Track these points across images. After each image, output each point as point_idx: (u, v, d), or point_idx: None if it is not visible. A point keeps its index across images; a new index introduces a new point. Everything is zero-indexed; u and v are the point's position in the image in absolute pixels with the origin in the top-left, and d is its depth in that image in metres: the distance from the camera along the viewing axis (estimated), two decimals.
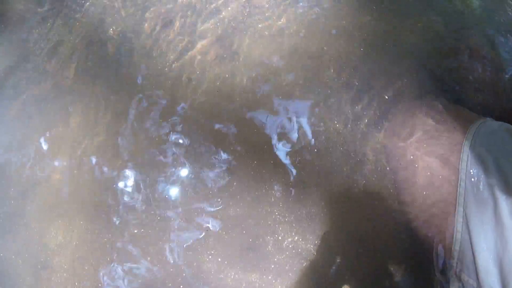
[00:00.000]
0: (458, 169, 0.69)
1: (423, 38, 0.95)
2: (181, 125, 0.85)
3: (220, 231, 0.76)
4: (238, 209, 0.77)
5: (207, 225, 0.77)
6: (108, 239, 0.81)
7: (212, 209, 0.78)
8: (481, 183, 0.67)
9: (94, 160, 0.88)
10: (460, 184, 0.70)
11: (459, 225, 0.69)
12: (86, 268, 0.84)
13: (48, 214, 0.90)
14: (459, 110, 0.86)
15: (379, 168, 0.80)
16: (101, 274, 0.81)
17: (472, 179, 0.69)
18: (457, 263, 0.69)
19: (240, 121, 0.84)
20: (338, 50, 0.90)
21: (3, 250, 0.92)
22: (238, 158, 0.80)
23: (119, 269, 0.79)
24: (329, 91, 0.85)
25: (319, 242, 0.74)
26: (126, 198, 0.83)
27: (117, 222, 0.81)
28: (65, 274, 0.88)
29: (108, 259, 0.80)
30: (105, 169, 0.87)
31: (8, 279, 0.91)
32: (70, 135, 0.92)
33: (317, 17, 0.93)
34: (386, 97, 0.85)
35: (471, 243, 0.65)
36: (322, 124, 0.83)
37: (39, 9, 1.05)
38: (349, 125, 0.83)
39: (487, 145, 0.68)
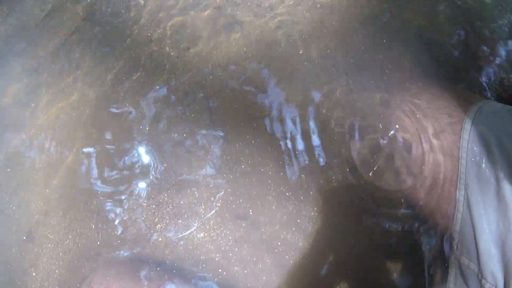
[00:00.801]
0: (459, 147, 0.67)
1: (429, 21, 0.92)
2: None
3: (213, 200, 0.73)
4: (231, 177, 0.74)
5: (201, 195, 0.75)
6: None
7: (205, 178, 0.76)
8: (483, 162, 0.65)
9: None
10: (461, 162, 0.67)
11: (460, 205, 0.67)
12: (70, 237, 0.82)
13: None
14: (461, 91, 0.85)
15: (377, 144, 0.77)
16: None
17: (473, 158, 0.66)
18: (457, 245, 0.66)
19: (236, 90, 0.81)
20: (343, 26, 0.87)
21: None
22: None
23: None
24: (331, 61, 0.82)
25: (316, 214, 0.72)
26: (111, 170, 0.81)
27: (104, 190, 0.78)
28: (49, 245, 0.85)
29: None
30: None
31: None
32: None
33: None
34: (387, 71, 0.82)
35: (472, 224, 0.63)
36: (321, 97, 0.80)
37: None
38: (350, 95, 0.81)
39: (489, 124, 0.66)
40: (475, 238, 0.60)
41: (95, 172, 0.83)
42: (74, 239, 0.82)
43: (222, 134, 0.78)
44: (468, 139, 0.68)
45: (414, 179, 0.76)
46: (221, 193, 0.73)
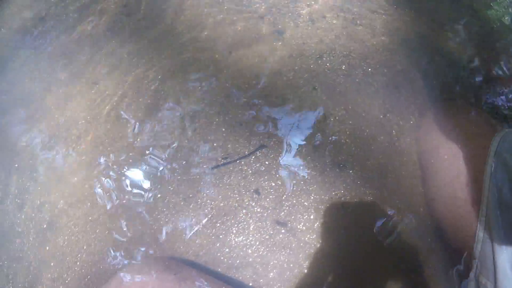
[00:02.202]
0: (484, 171, 0.71)
1: (459, 46, 0.97)
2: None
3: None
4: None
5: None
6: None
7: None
8: (505, 188, 0.69)
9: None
10: (484, 186, 0.71)
11: (481, 225, 0.70)
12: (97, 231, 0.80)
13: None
14: (487, 118, 0.89)
15: (401, 156, 0.80)
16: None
17: (496, 183, 0.70)
18: (477, 264, 0.70)
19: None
20: (380, 46, 0.91)
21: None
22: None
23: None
24: (369, 79, 0.85)
25: (353, 227, 0.74)
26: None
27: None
28: (73, 237, 0.83)
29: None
30: (124, 115, 0.83)
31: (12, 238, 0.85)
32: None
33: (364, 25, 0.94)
34: (420, 92, 0.86)
35: (492, 244, 0.66)
36: (345, 112, 0.83)
37: None
38: (381, 115, 0.84)
39: None
40: (493, 258, 0.64)
41: (129, 167, 0.82)
42: (102, 233, 0.80)
43: (263, 142, 0.79)
44: (492, 165, 0.72)
45: (440, 197, 0.79)
46: (263, 199, 0.74)
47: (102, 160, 0.84)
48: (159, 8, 0.97)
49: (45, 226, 0.86)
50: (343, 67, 0.87)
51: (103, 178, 0.83)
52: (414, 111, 0.87)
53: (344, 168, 0.79)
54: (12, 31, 1.02)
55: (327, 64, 0.87)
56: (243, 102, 0.83)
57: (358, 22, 0.94)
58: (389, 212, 0.79)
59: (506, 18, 1.02)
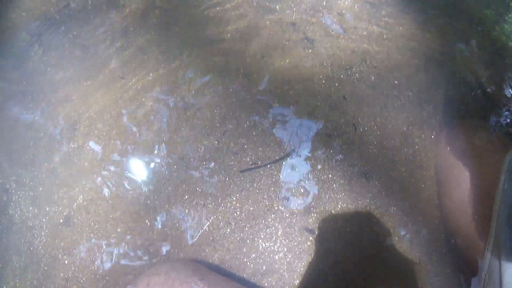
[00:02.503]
0: (496, 187, 0.74)
1: (474, 65, 1.00)
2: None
3: None
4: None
5: None
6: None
7: None
8: None
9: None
10: (495, 201, 0.74)
11: (491, 239, 0.73)
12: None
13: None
14: (500, 136, 0.93)
15: (421, 169, 0.82)
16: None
17: (507, 199, 0.73)
18: (485, 278, 0.73)
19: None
20: (406, 57, 0.93)
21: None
22: None
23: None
24: (395, 93, 0.87)
25: (380, 238, 0.75)
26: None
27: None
28: (91, 235, 0.81)
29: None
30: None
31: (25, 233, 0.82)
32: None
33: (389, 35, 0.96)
34: (442, 110, 0.88)
35: (499, 259, 0.69)
36: (373, 123, 0.84)
37: None
38: (405, 129, 0.86)
39: None
40: (500, 272, 0.67)
41: (155, 166, 0.81)
42: (124, 233, 0.78)
43: (293, 147, 0.79)
44: (503, 181, 0.75)
45: (453, 212, 0.82)
46: (292, 205, 0.74)
47: (127, 157, 0.82)
48: (191, 4, 0.96)
49: (61, 221, 0.83)
50: (372, 78, 0.88)
51: (128, 176, 0.81)
52: (435, 126, 0.89)
53: (370, 178, 0.80)
54: (34, 16, 0.98)
55: (357, 75, 0.88)
56: (274, 107, 0.83)
57: (385, 36, 0.95)
58: (409, 224, 0.80)
59: None
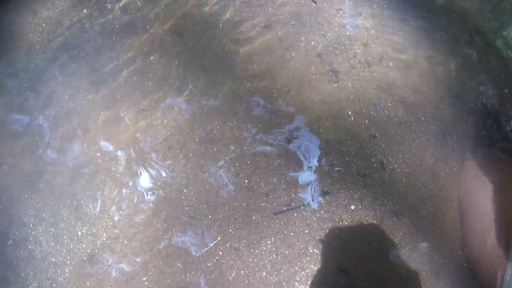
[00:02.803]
0: None
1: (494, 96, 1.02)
2: None
3: None
4: None
5: None
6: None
7: None
8: None
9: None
10: None
11: (508, 269, 0.76)
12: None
13: None
14: None
15: (446, 202, 0.84)
16: None
17: None
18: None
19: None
20: (430, 89, 0.93)
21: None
22: None
23: None
24: (422, 128, 0.88)
25: (413, 278, 0.76)
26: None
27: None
28: (121, 277, 0.79)
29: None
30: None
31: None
32: None
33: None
34: (465, 141, 0.89)
35: None
36: (402, 160, 0.85)
37: None
38: (432, 163, 0.86)
39: None
40: None
41: (185, 203, 0.79)
42: (156, 275, 0.77)
43: (326, 188, 0.79)
44: None
45: (474, 243, 0.84)
46: (326, 246, 0.74)
47: (151, 195, 0.81)
48: (215, 37, 0.94)
49: (85, 258, 0.81)
50: (400, 114, 0.88)
51: (154, 214, 0.79)
52: (458, 158, 0.91)
53: (401, 216, 0.81)
54: (64, 28, 0.94)
55: (385, 111, 0.88)
56: (305, 146, 0.83)
57: (410, 66, 0.96)
58: (436, 259, 0.81)
59: None
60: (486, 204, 0.85)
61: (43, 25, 0.99)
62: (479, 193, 0.88)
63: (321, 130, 0.84)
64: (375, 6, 1.04)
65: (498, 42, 1.05)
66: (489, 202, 0.85)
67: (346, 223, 0.77)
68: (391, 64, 0.94)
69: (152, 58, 0.94)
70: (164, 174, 0.82)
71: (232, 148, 0.83)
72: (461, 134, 0.93)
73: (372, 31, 0.98)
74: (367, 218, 0.78)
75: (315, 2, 0.95)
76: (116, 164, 0.85)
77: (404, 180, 0.83)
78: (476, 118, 0.95)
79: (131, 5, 1.00)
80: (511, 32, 1.05)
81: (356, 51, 0.96)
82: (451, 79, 0.98)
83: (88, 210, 0.83)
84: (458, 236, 0.85)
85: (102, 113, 0.90)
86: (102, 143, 0.88)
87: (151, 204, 0.80)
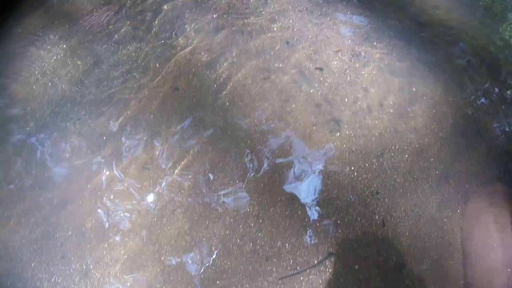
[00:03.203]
0: None
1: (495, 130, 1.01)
2: None
3: None
4: None
5: None
6: None
7: None
8: None
9: None
10: None
11: None
12: None
13: None
14: None
15: (449, 247, 0.85)
16: None
17: None
18: None
19: None
20: (432, 130, 0.92)
21: None
22: None
23: None
24: (424, 175, 0.88)
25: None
26: None
27: None
28: None
29: None
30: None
31: None
32: None
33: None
34: (468, 181, 0.89)
35: None
36: (404, 213, 0.86)
37: None
38: (435, 211, 0.87)
39: None
40: None
41: (190, 269, 0.80)
42: None
43: (331, 250, 0.80)
44: None
45: (480, 280, 0.85)
46: None
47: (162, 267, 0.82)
48: (214, 94, 0.92)
49: None
50: (402, 164, 0.88)
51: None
52: (461, 199, 0.91)
53: (404, 269, 0.82)
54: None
55: (388, 162, 0.88)
56: (308, 206, 0.83)
57: (410, 109, 0.94)
58: None
59: None
60: (487, 246, 0.86)
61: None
62: (481, 235, 0.88)
63: (323, 189, 0.84)
64: (374, 43, 1.02)
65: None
66: (490, 244, 0.86)
67: (351, 282, 0.79)
68: (391, 110, 0.93)
69: None
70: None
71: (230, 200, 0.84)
72: (464, 173, 0.93)
73: (374, 72, 0.96)
74: (371, 275, 0.80)
75: (320, 69, 0.93)
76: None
77: (407, 233, 0.84)
78: (480, 153, 0.95)
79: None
80: None
81: (357, 95, 0.94)
82: (454, 117, 0.97)
83: (97, 274, 0.84)
84: (462, 278, 0.87)
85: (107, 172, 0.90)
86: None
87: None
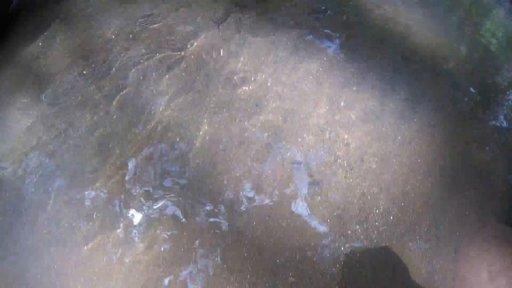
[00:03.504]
0: None
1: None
2: None
3: None
4: None
5: None
6: None
7: None
8: None
9: None
10: None
11: None
12: None
13: None
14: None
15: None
16: None
17: None
18: None
19: None
20: (419, 181, 0.88)
21: None
22: None
23: None
24: (410, 243, 0.84)
25: None
26: None
27: None
28: None
29: None
30: None
31: None
32: None
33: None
34: (459, 226, 0.85)
35: None
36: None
37: None
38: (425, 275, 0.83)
39: None
40: None
41: None
42: None
43: None
44: None
45: None
46: None
47: None
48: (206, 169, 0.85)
49: None
50: (387, 226, 0.84)
51: None
52: (451, 251, 0.87)
53: None
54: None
55: (372, 228, 0.83)
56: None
57: (394, 159, 0.90)
58: None
59: None
60: None
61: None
62: (475, 283, 0.86)
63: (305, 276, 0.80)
64: (354, 89, 0.97)
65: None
66: None
67: None
68: (373, 166, 0.88)
69: None
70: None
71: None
72: (454, 221, 0.89)
73: (354, 128, 0.91)
74: None
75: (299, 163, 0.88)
76: None
77: None
78: (469, 198, 0.90)
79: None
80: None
81: (337, 153, 0.89)
82: (441, 159, 0.92)
83: None
84: None
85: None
86: None
87: None
